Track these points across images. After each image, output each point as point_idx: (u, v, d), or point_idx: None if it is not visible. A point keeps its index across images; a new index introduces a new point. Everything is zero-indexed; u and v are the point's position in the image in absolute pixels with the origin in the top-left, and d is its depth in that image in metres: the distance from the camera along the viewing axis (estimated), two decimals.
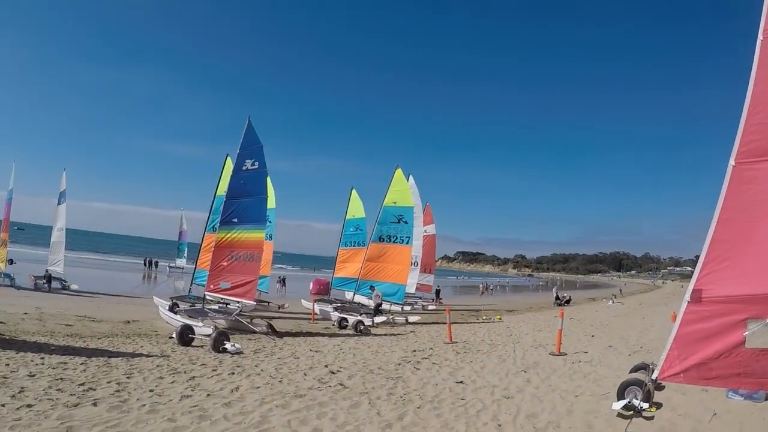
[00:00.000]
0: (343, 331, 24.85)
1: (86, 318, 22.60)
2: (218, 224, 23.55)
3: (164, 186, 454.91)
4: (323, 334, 22.98)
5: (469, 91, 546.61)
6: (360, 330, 24.54)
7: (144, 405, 9.66)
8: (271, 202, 34.19)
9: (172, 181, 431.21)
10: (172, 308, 24.00)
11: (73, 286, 35.85)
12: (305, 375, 12.95)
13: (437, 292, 50.96)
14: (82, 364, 13.04)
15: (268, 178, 34.15)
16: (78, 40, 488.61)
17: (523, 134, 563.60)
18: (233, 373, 12.84)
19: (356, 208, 36.27)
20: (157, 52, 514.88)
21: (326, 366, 14.27)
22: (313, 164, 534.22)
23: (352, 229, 35.87)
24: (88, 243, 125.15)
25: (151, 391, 10.78)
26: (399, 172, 32.57)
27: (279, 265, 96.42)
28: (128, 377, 11.85)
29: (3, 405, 9.18)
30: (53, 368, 12.32)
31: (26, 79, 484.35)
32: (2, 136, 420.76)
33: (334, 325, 26.70)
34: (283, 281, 55.66)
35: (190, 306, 24.21)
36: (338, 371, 13.55)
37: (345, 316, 27.13)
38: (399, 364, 14.90)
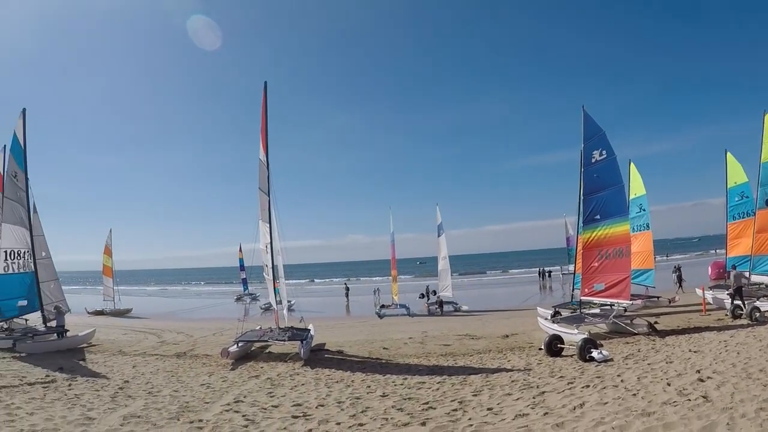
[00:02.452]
0: (737, 322, 21.95)
1: (466, 336, 24.34)
2: (582, 225, 23.08)
3: (547, 195, 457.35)
4: (713, 328, 20.67)
5: None
6: (756, 318, 21.33)
7: (471, 425, 9.85)
8: (640, 189, 32.62)
9: (551, 189, 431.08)
10: (555, 316, 24.04)
11: (464, 308, 39.28)
12: (668, 385, 11.66)
13: None
14: (438, 383, 14.09)
15: (632, 164, 32.80)
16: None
17: None
18: (588, 386, 12.28)
19: (736, 173, 32.18)
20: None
21: (697, 371, 12.69)
22: (689, 137, 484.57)
23: (737, 199, 32.01)
24: (486, 264, 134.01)
25: (489, 409, 10.90)
26: None
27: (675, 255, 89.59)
28: (475, 395, 12.30)
29: (338, 423, 10.53)
30: (409, 388, 13.62)
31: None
32: (382, 190, 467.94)
33: (727, 315, 23.85)
34: (678, 270, 51.38)
35: (571, 312, 23.99)
36: (709, 378, 11.92)
37: (739, 303, 23.86)
38: None
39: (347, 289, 58.21)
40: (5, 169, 25.18)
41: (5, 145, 25.58)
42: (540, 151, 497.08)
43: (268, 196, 21.72)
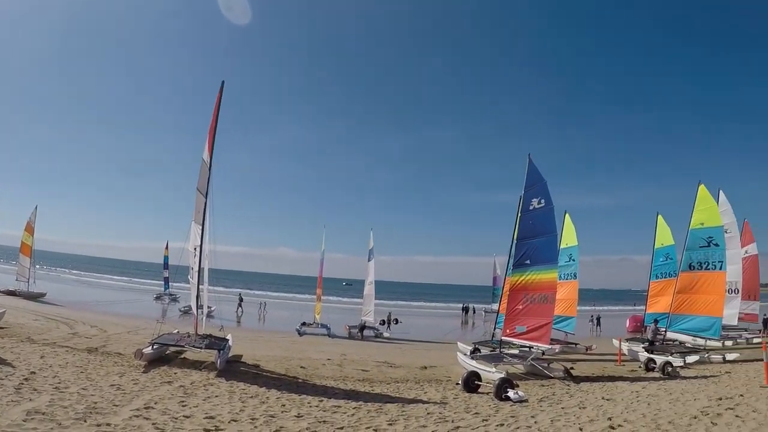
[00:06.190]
0: (650, 374, 22.53)
1: (385, 364, 24.13)
2: (511, 267, 23.53)
3: (479, 234, 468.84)
4: (626, 379, 21.12)
5: None
6: (667, 372, 21.87)
7: None
8: (572, 240, 33.63)
9: (484, 228, 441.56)
10: (474, 352, 24.11)
11: (386, 334, 39.45)
12: (580, 430, 11.76)
13: (765, 322, 43.60)
14: (354, 408, 13.86)
15: (568, 215, 33.85)
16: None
17: None
18: (502, 425, 12.23)
19: (664, 236, 33.89)
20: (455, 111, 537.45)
21: (609, 419, 12.82)
22: (626, 195, 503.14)
23: (661, 259, 33.61)
24: (412, 293, 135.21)
25: None
26: (703, 189, 29.09)
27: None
28: (390, 424, 12.18)
29: None
30: (324, 411, 13.33)
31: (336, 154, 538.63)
32: (315, 206, 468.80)
33: (640, 367, 24.46)
34: (598, 320, 52.98)
35: (491, 351, 24.14)
36: (619, 426, 12.06)
37: (653, 356, 24.69)
38: (695, 417, 12.74)
39: (241, 299, 56.63)
40: None
41: None
42: (484, 189, 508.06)
43: (206, 198, 21.01)
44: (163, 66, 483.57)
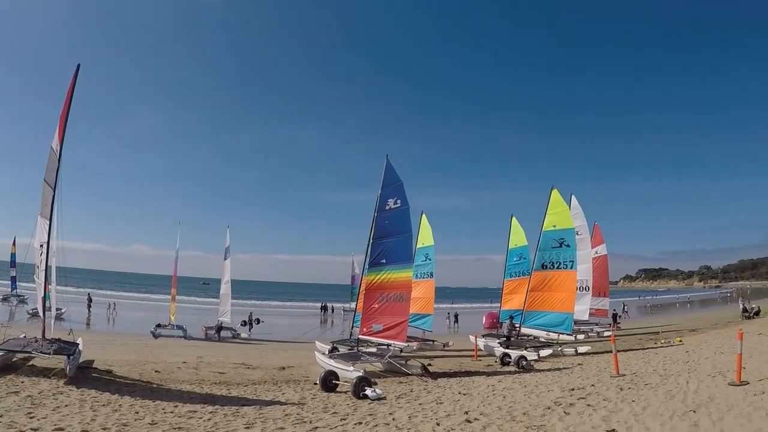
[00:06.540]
0: (505, 368, 23.22)
1: (242, 365, 23.36)
2: (367, 267, 23.44)
3: (338, 233, 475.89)
4: (482, 373, 21.61)
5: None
6: (522, 366, 22.53)
7: None
8: (428, 239, 33.96)
9: (343, 227, 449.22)
10: (332, 352, 23.79)
11: (243, 335, 38.45)
12: (437, 425, 11.64)
13: (614, 317, 48.00)
14: (211, 412, 13.22)
15: (424, 215, 34.13)
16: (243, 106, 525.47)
17: (692, 137, 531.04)
18: (360, 423, 12.07)
19: (518, 237, 35.28)
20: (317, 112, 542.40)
21: (466, 413, 12.79)
22: (483, 197, 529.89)
23: (515, 259, 34.96)
24: (270, 292, 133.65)
25: None
26: (556, 194, 30.55)
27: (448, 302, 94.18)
28: (247, 427, 11.74)
29: None
30: (180, 417, 12.58)
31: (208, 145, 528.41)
32: (172, 201, 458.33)
33: (496, 361, 25.04)
34: (455, 317, 54.37)
35: (349, 349, 23.78)
36: (476, 419, 11.99)
37: (508, 351, 25.39)
38: (548, 408, 12.90)
39: (90, 299, 54.04)
40: None
41: None
42: (343, 188, 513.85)
43: (54, 191, 19.02)
44: (7, 45, 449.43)
